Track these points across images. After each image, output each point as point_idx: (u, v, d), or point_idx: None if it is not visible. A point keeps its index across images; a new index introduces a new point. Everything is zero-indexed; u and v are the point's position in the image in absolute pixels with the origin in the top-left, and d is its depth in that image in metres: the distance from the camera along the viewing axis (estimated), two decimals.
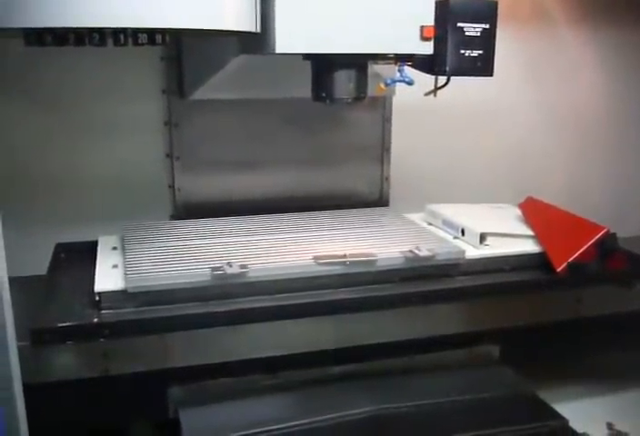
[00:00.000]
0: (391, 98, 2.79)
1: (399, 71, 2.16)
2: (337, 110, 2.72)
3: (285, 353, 2.01)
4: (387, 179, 2.93)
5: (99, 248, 2.29)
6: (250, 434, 1.84)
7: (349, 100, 2.16)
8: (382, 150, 2.89)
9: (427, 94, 2.24)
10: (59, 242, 2.39)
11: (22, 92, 2.42)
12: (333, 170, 2.84)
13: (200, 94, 2.49)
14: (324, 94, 2.16)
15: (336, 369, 2.09)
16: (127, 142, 2.60)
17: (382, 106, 2.83)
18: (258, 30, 1.92)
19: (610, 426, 2.36)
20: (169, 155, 2.66)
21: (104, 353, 1.85)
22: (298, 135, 2.76)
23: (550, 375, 2.37)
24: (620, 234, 2.29)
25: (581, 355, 2.41)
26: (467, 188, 2.97)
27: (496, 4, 2.10)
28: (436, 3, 2.03)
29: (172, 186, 2.69)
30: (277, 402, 2.01)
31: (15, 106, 2.39)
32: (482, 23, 2.08)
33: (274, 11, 1.88)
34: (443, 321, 2.17)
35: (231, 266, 1.96)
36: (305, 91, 2.23)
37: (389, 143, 2.89)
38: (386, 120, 2.86)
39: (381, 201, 2.93)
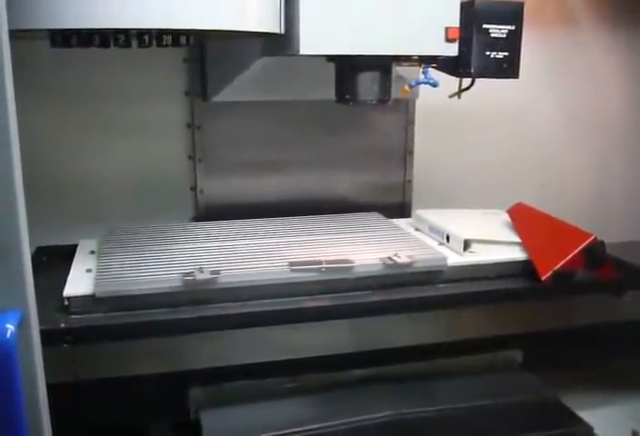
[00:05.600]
0: (414, 100, 2.78)
1: (423, 73, 2.16)
2: (360, 112, 2.70)
3: (260, 361, 1.96)
4: (410, 182, 2.91)
5: (77, 251, 2.25)
6: None
7: (373, 102, 2.15)
8: (405, 153, 2.87)
9: (452, 95, 2.24)
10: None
11: (44, 93, 2.42)
12: (355, 173, 2.83)
13: (223, 96, 2.49)
14: (347, 96, 2.16)
15: (357, 372, 2.06)
16: (150, 143, 2.61)
17: (405, 109, 2.82)
18: (282, 31, 1.93)
19: (635, 434, 2.32)
20: (191, 157, 2.66)
21: (71, 359, 1.80)
22: (321, 138, 2.75)
23: (574, 381, 2.34)
24: None
25: (602, 362, 2.38)
26: (490, 191, 2.95)
27: (522, 5, 2.09)
28: (462, 4, 2.02)
29: (194, 188, 2.69)
30: (298, 405, 1.99)
31: (36, 107, 2.38)
32: (507, 24, 2.07)
33: (298, 12, 1.88)
34: (414, 330, 2.09)
35: (202, 272, 1.92)
36: (328, 93, 2.22)
37: (412, 145, 2.87)
38: (409, 122, 2.85)
39: (403, 204, 2.91)
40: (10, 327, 1.11)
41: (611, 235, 2.19)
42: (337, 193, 2.82)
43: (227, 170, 2.69)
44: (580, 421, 2.01)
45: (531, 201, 2.57)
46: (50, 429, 1.28)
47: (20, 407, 1.14)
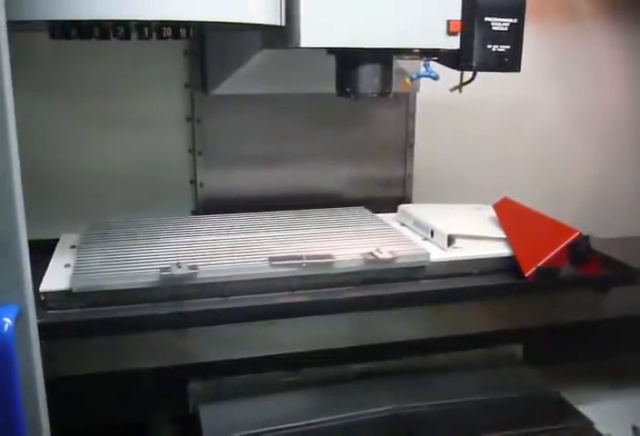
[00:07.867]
0: (415, 94, 2.77)
1: (425, 66, 2.15)
2: (361, 106, 2.69)
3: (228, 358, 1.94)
4: (410, 176, 2.91)
5: (58, 246, 2.23)
6: (270, 431, 1.82)
7: (374, 95, 2.13)
8: (405, 147, 2.86)
9: (453, 89, 2.23)
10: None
11: (42, 85, 2.41)
12: (355, 166, 2.82)
13: (223, 88, 2.48)
14: (348, 89, 2.14)
15: (356, 367, 2.06)
16: (149, 137, 2.60)
17: (406, 102, 2.81)
18: (283, 23, 1.91)
19: (635, 429, 2.32)
20: (191, 150, 2.66)
21: (48, 355, 1.78)
22: (321, 131, 2.74)
23: (574, 376, 2.34)
24: None
25: (605, 357, 2.37)
26: (490, 186, 2.92)
27: None
28: None
29: (194, 181, 2.69)
30: (297, 399, 1.98)
31: (34, 100, 2.37)
32: (509, 17, 2.05)
33: (299, 4, 1.87)
34: (395, 326, 2.06)
35: (180, 267, 1.90)
36: (328, 86, 2.21)
37: (413, 139, 2.86)
38: (410, 116, 2.84)
39: (403, 198, 2.90)
40: (8, 321, 1.10)
41: (612, 231, 2.18)
42: (337, 186, 2.81)
43: (227, 163, 2.68)
44: (580, 415, 2.00)
45: (531, 196, 2.56)
46: (48, 423, 1.28)
47: (18, 401, 1.14)
